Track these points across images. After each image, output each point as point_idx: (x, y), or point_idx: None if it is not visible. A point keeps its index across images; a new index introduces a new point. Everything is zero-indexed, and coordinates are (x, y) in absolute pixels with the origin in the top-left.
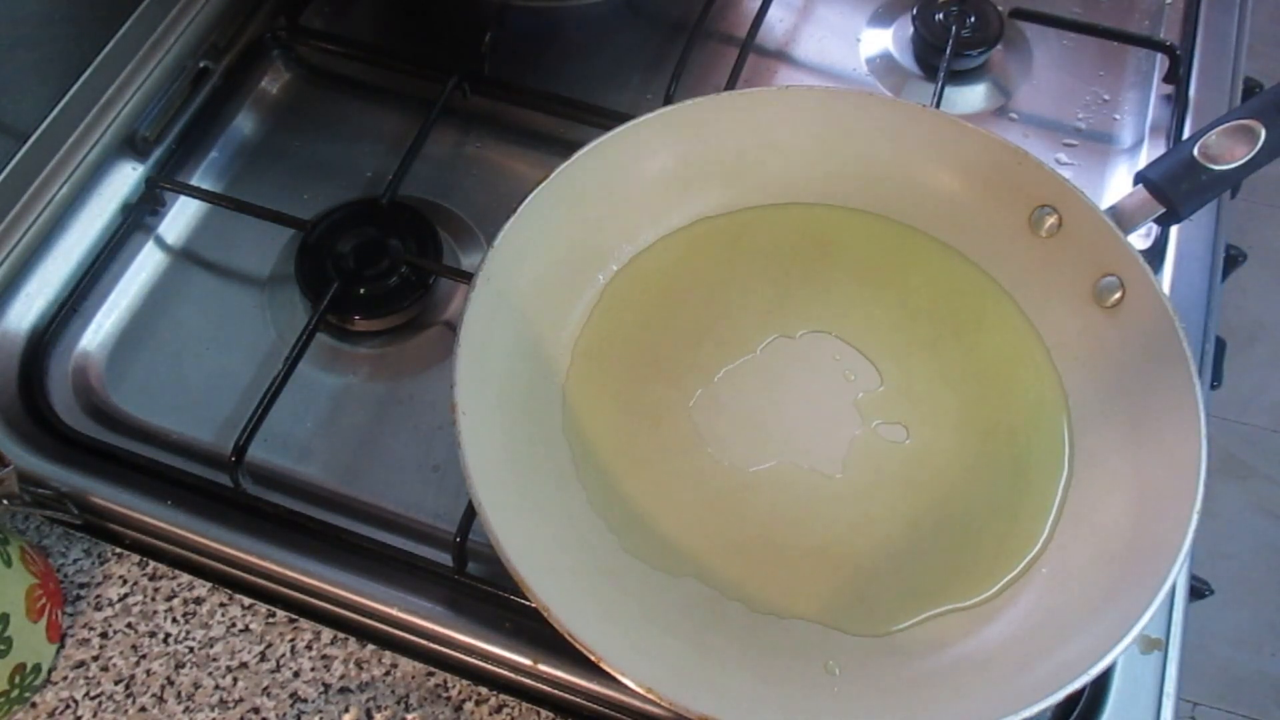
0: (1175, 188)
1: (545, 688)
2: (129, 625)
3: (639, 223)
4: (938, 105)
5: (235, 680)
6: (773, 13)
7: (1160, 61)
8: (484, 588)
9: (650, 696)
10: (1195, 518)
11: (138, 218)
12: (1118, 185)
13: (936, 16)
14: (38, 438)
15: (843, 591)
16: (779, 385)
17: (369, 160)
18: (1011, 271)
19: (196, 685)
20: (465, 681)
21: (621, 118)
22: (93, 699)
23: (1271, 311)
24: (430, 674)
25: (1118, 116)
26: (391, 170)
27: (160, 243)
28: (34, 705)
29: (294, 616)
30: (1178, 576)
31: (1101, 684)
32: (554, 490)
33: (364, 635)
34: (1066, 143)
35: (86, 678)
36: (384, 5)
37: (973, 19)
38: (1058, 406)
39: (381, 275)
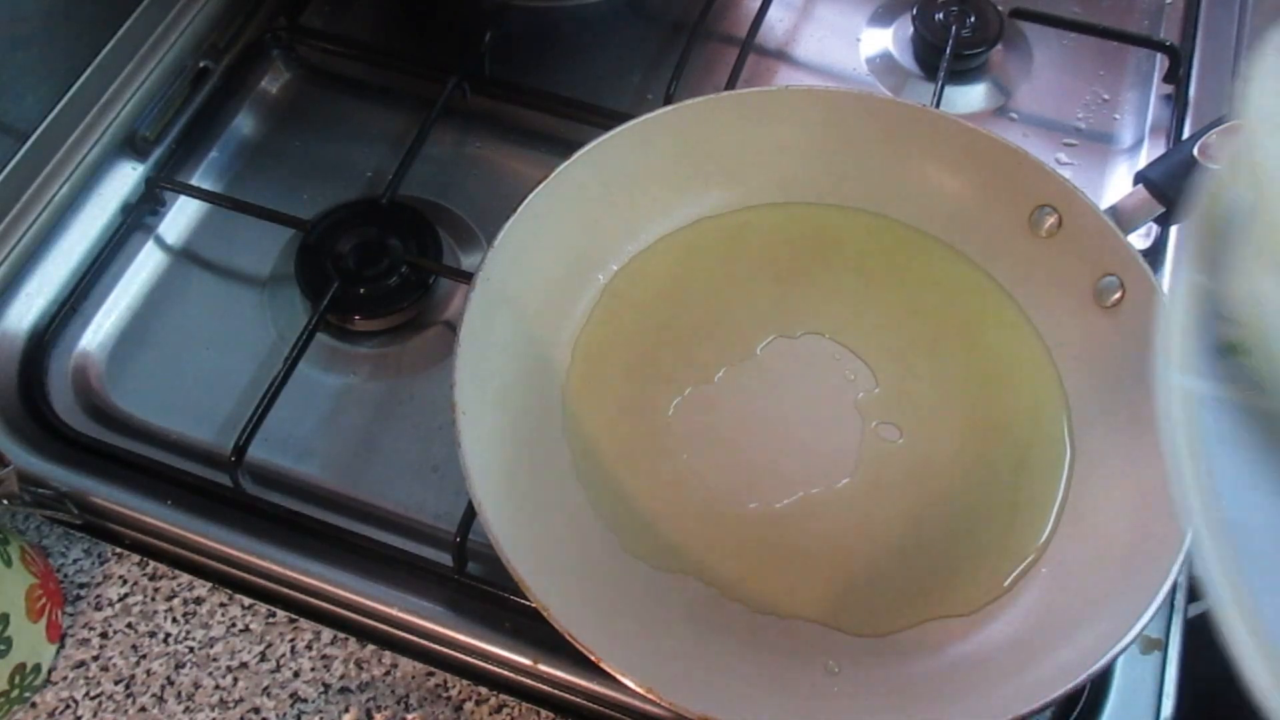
0: (1175, 188)
1: (545, 688)
2: (129, 625)
3: (639, 223)
4: (938, 105)
5: (235, 680)
6: (773, 13)
7: (1160, 61)
8: (484, 588)
9: (650, 696)
10: None
11: (138, 218)
12: (1118, 185)
13: (936, 16)
14: (38, 438)
15: (843, 591)
16: (779, 386)
17: (369, 160)
18: (1011, 271)
19: (196, 685)
20: (465, 681)
21: (621, 118)
22: (93, 699)
23: None
24: (430, 674)
25: (1118, 116)
26: (391, 170)
27: (160, 243)
28: (34, 705)
29: (294, 616)
30: (1178, 576)
31: (1101, 684)
32: (554, 490)
33: (364, 635)
34: (1066, 142)
35: (86, 678)
36: (384, 5)
37: (973, 19)
38: (1058, 406)
39: (381, 275)
